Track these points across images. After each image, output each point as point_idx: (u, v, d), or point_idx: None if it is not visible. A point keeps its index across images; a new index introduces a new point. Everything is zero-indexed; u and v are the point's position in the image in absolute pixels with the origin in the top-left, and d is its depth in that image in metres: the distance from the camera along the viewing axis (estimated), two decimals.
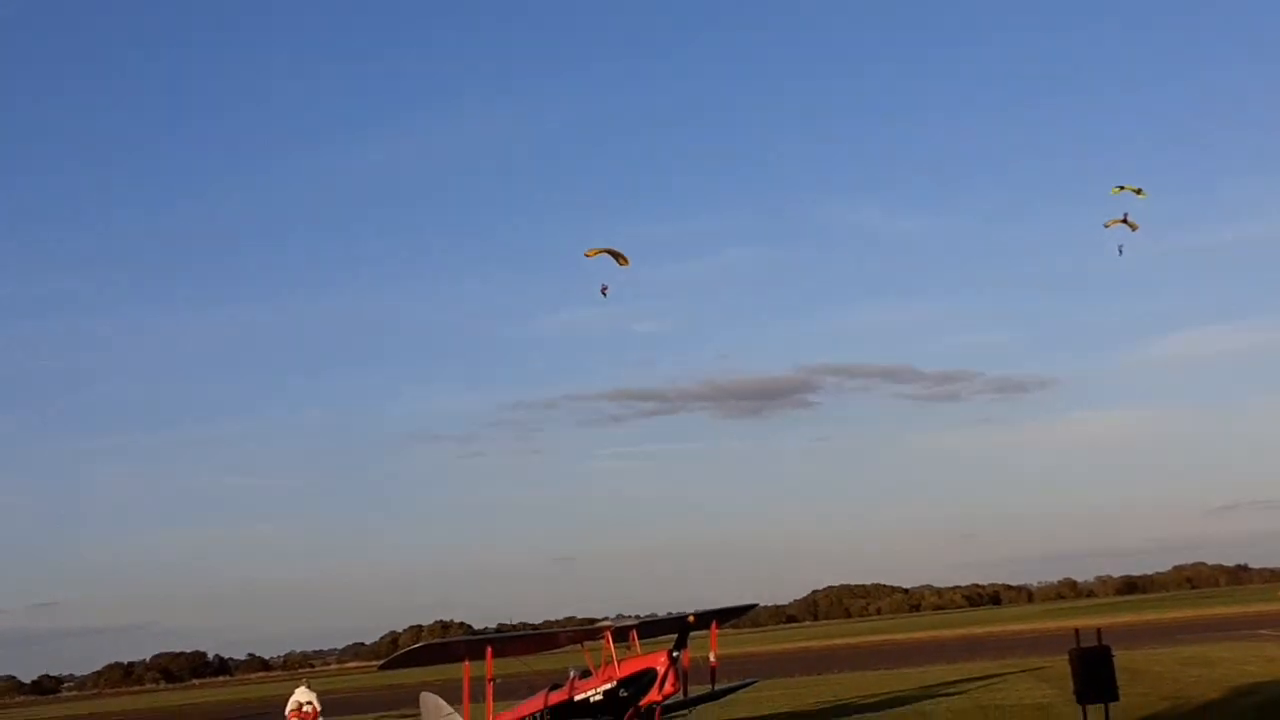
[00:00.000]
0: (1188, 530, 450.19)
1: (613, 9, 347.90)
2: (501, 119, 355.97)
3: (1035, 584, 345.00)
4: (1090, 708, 23.78)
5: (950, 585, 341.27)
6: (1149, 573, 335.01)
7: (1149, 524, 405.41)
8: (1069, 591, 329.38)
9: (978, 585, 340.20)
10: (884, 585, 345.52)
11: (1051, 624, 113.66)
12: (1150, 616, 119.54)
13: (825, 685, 57.59)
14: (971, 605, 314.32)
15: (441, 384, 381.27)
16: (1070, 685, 24.41)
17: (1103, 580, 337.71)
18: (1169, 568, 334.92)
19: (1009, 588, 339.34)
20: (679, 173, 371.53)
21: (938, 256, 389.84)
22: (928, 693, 47.24)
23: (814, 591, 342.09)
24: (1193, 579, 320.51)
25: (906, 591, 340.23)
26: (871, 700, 45.83)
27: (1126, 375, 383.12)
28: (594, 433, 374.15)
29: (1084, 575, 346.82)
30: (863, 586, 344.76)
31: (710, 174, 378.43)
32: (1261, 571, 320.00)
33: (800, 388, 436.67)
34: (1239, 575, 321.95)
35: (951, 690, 47.42)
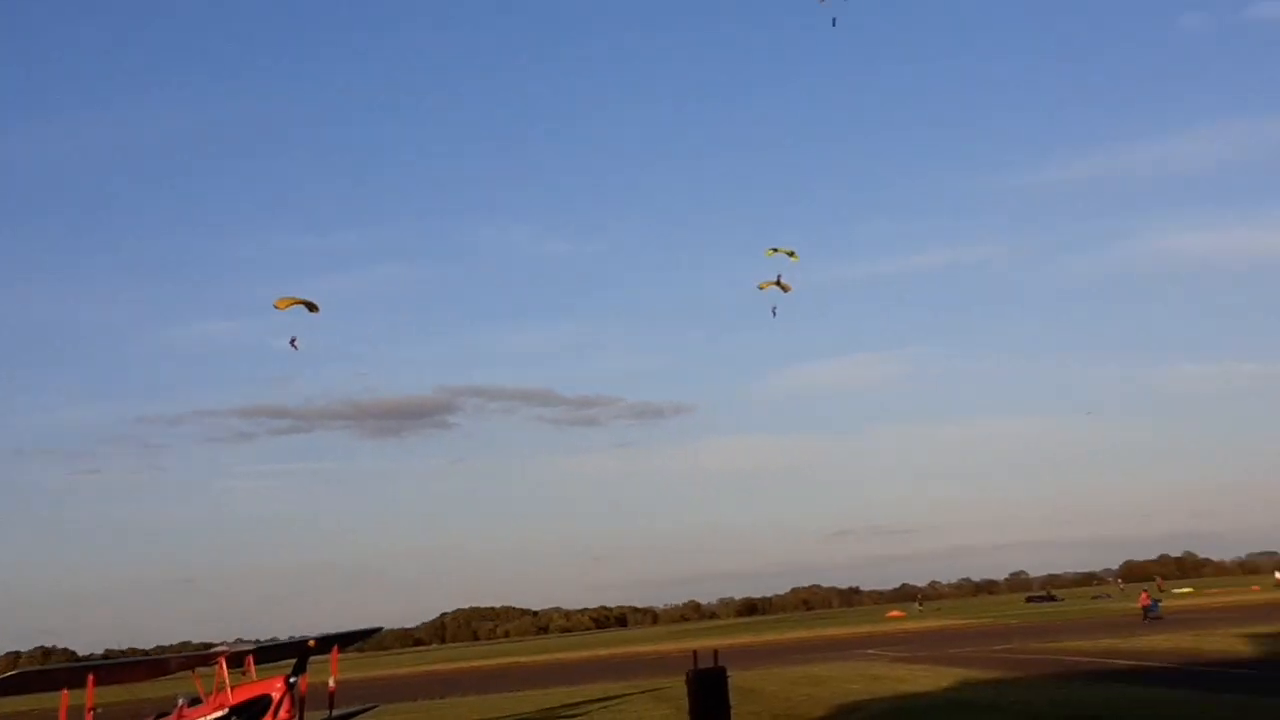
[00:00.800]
0: (806, 554, 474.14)
1: (242, 12, 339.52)
2: (131, 121, 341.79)
3: (661, 606, 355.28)
4: None
5: (579, 608, 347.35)
6: (769, 595, 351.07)
7: (771, 547, 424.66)
8: (693, 613, 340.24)
9: (605, 607, 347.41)
10: (513, 608, 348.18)
11: (674, 645, 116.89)
12: (768, 637, 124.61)
13: (448, 709, 57.38)
14: (599, 627, 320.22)
15: (55, 395, 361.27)
16: (687, 705, 25.16)
17: (725, 602, 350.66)
18: (788, 590, 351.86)
19: (636, 609, 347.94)
20: (326, 184, 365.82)
21: (585, 281, 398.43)
22: (549, 714, 47.77)
23: (443, 614, 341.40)
24: (809, 600, 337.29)
25: (535, 614, 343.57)
26: None
27: (758, 403, 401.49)
28: (223, 450, 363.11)
29: (708, 597, 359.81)
30: (491, 609, 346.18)
31: (359, 188, 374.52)
32: (871, 594, 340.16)
33: (440, 409, 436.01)
34: (850, 597, 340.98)
35: (573, 712, 48.11)
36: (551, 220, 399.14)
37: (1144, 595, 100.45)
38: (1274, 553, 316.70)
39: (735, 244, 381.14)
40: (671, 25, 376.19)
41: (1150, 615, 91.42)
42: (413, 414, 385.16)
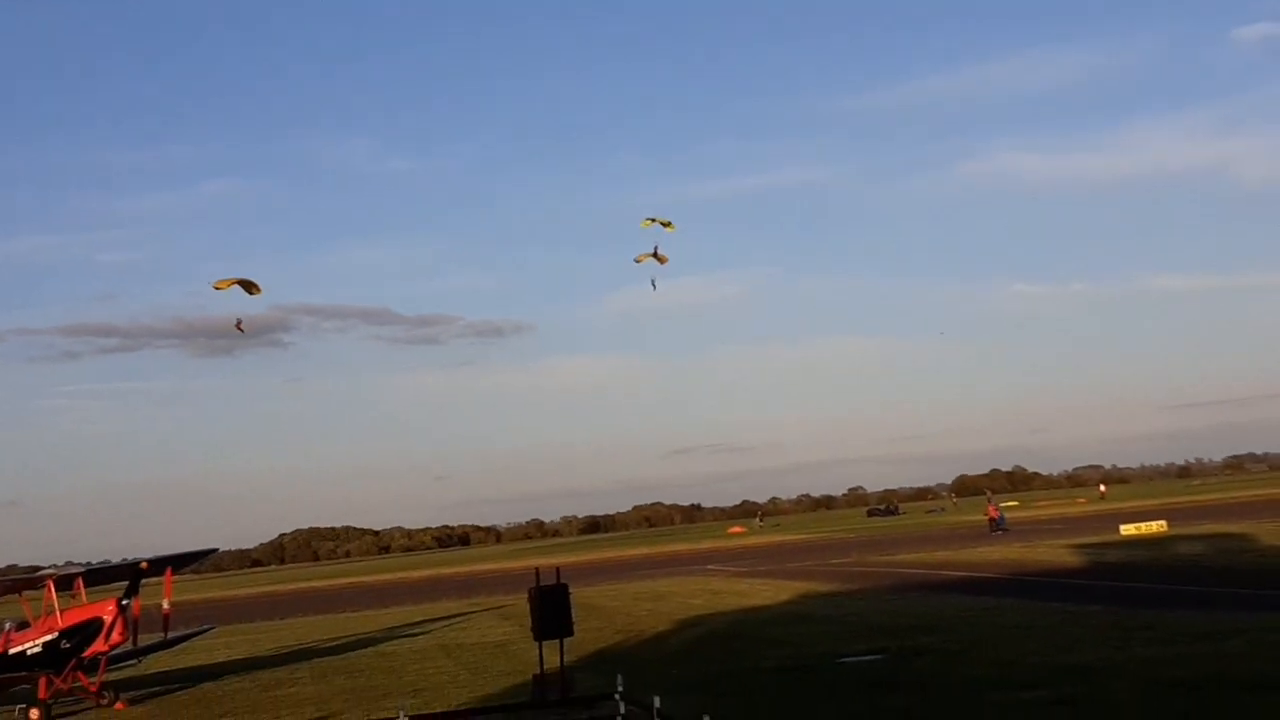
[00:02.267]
0: (648, 472, 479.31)
1: None
2: None
3: (504, 525, 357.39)
4: (547, 643, 24.76)
5: (421, 527, 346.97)
6: (611, 512, 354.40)
7: (613, 466, 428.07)
8: (536, 532, 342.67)
9: (448, 526, 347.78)
10: (354, 528, 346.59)
11: (517, 564, 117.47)
12: (611, 554, 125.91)
13: (287, 630, 57.03)
14: (441, 546, 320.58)
15: None
16: (530, 621, 25.33)
17: (568, 520, 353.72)
18: (630, 508, 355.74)
19: (478, 528, 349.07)
20: (156, 95, 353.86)
21: (424, 199, 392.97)
22: (391, 634, 47.77)
23: (281, 535, 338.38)
24: (651, 518, 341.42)
25: (377, 534, 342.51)
26: (334, 643, 45.82)
27: (598, 322, 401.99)
28: (47, 369, 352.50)
29: (551, 516, 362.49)
30: (332, 529, 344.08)
31: (191, 100, 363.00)
32: (712, 510, 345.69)
33: (274, 327, 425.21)
34: (692, 514, 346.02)
35: (415, 631, 48.19)
36: (391, 135, 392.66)
37: (991, 508, 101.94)
38: (1099, 466, 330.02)
39: (576, 164, 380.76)
40: None
41: (998, 528, 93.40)
42: (245, 333, 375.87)
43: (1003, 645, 26.86)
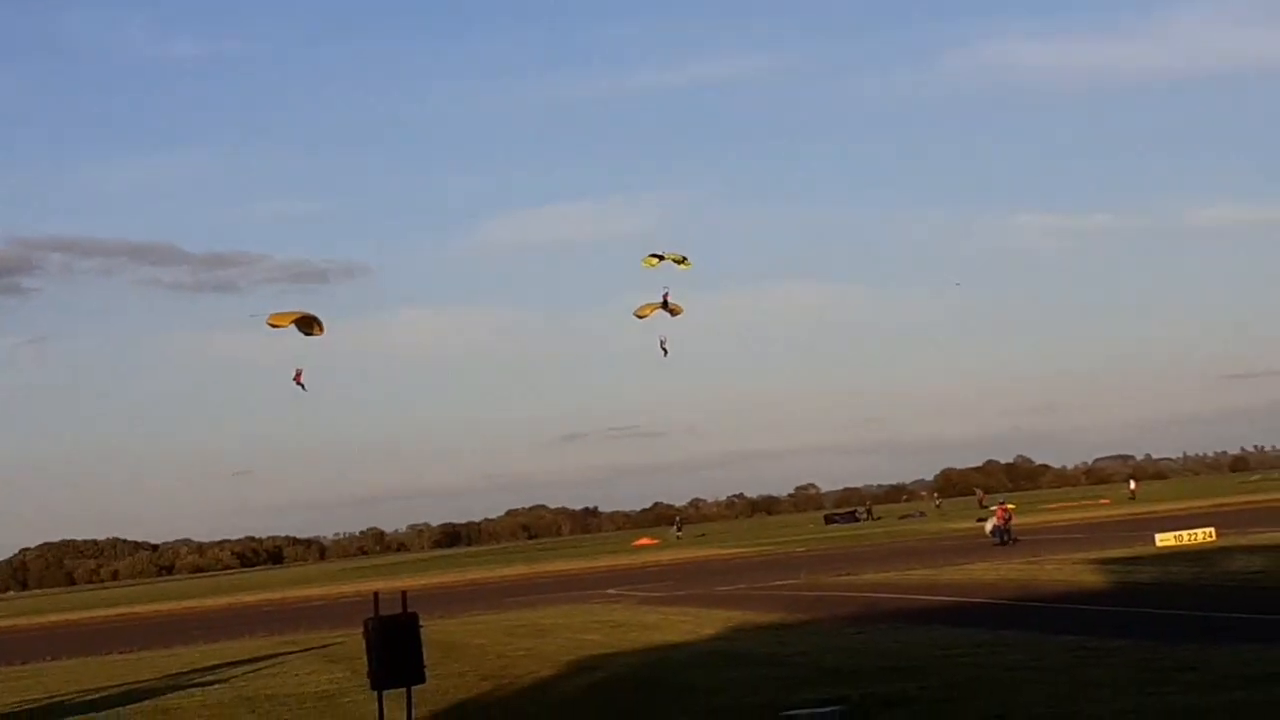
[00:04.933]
0: (526, 465, 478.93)
1: None
2: None
3: (330, 536, 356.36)
4: (388, 693, 24.76)
5: (216, 540, 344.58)
6: (476, 520, 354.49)
7: (479, 457, 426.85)
8: (374, 545, 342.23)
9: (253, 538, 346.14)
10: (123, 540, 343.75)
11: (348, 587, 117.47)
12: (475, 575, 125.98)
13: (34, 677, 56.48)
14: (245, 565, 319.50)
15: None
16: (365, 665, 25.31)
17: (417, 530, 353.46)
18: (502, 512, 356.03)
19: (296, 541, 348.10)
20: None
21: (219, 95, 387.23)
22: (177, 682, 47.45)
23: (22, 550, 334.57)
24: (530, 526, 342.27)
25: (155, 548, 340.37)
26: (99, 694, 45.46)
27: (460, 264, 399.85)
28: None
29: (394, 524, 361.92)
30: (92, 543, 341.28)
31: None
32: (613, 516, 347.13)
33: (12, 268, 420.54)
34: (586, 521, 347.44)
35: (209, 679, 47.90)
36: (175, 9, 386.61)
37: (999, 510, 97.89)
38: (1128, 457, 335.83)
39: (430, 44, 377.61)
40: None
41: (1002, 538, 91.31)
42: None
43: (998, 692, 27.30)
